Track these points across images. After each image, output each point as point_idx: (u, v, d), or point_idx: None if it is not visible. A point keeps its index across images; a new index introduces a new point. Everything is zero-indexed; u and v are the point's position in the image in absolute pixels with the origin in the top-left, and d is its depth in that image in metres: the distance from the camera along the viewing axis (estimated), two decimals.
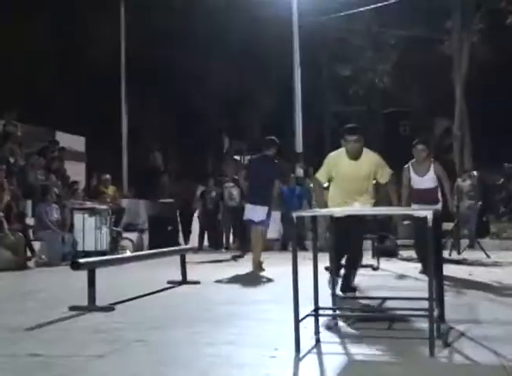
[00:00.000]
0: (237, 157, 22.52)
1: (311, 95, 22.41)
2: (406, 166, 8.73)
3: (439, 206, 8.30)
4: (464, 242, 13.47)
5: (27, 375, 3.64)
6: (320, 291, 4.57)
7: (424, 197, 8.45)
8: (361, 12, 21.93)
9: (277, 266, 9.45)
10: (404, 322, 4.96)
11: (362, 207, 6.32)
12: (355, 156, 6.52)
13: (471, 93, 22.16)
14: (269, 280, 8.57)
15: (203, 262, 11.49)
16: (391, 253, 11.86)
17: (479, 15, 21.91)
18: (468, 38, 22.06)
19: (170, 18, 22.40)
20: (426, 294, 4.02)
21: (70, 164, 16.40)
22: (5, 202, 11.37)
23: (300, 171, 18.73)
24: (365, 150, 6.59)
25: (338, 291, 6.03)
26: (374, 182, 6.86)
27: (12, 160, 13.96)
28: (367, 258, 11.08)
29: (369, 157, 6.63)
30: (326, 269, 6.11)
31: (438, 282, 4.43)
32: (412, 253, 9.06)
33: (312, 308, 4.45)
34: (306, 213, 4.61)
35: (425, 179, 8.64)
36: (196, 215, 16.63)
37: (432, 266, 4.07)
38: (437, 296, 4.30)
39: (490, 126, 23.85)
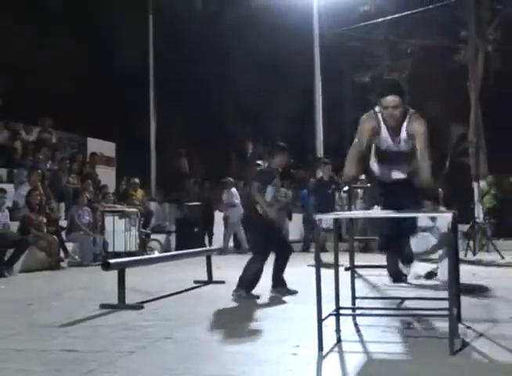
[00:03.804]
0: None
1: (332, 102, 22.35)
2: None
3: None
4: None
5: (59, 369, 3.64)
6: (341, 292, 4.53)
7: None
8: (379, 22, 21.82)
9: (300, 267, 9.39)
10: (423, 321, 4.89)
11: None
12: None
13: (486, 100, 21.92)
14: (292, 281, 8.52)
15: (227, 263, 11.46)
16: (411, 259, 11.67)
17: (494, 25, 21.73)
18: (483, 47, 21.88)
19: (197, 27, 22.51)
20: (441, 294, 3.96)
21: (100, 169, 16.52)
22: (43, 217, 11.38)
23: None
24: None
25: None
26: None
27: (47, 165, 14.07)
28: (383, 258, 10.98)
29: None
30: (347, 269, 6.05)
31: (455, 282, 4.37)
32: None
33: (333, 307, 4.40)
34: (327, 216, 4.56)
35: None
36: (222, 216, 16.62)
37: (451, 266, 4.04)
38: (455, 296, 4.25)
39: (505, 131, 23.58)
